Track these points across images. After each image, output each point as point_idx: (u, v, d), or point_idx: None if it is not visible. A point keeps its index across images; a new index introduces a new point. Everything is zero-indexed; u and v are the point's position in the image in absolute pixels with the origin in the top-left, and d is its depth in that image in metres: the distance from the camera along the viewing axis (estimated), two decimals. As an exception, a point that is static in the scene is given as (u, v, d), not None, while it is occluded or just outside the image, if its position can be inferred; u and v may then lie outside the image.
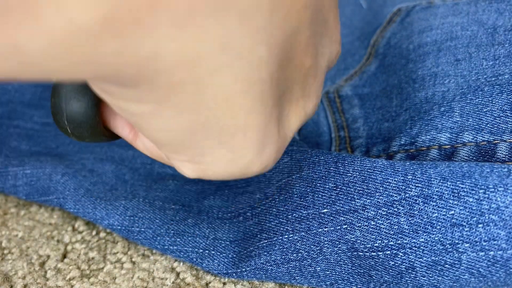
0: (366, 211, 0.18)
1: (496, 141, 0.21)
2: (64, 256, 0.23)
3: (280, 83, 0.14)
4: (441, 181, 0.17)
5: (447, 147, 0.22)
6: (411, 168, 0.18)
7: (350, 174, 0.19)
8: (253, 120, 0.13)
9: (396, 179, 0.18)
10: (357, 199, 0.18)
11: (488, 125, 0.21)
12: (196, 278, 0.22)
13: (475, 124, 0.22)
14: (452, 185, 0.17)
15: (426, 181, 0.17)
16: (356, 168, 0.19)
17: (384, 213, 0.18)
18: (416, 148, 0.23)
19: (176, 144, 0.14)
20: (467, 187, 0.17)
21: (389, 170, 0.18)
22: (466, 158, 0.21)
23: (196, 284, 0.22)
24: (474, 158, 0.21)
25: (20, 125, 0.30)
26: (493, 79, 0.23)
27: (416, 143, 0.23)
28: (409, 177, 0.18)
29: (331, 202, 0.19)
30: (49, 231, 0.25)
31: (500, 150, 0.21)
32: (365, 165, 0.19)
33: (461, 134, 0.22)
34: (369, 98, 0.28)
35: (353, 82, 0.29)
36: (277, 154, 0.15)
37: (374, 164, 0.19)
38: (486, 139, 0.21)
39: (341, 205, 0.19)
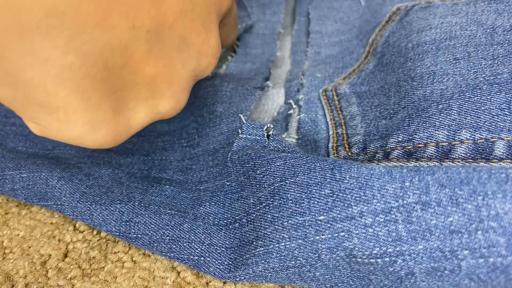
0: (364, 218, 0.18)
1: (493, 139, 0.21)
2: (65, 255, 0.23)
3: (111, 82, 0.18)
4: (439, 187, 0.17)
5: (444, 144, 0.22)
6: (409, 174, 0.18)
7: (346, 181, 0.19)
8: (72, 103, 0.17)
9: (393, 186, 0.18)
10: (354, 206, 0.18)
11: (486, 123, 0.21)
12: (196, 277, 0.22)
13: (473, 122, 0.22)
14: (450, 191, 0.17)
15: (424, 187, 0.17)
16: (353, 175, 0.19)
17: (382, 220, 0.18)
18: (414, 145, 0.23)
19: (11, 107, 0.18)
20: (465, 193, 0.17)
21: (387, 177, 0.18)
22: (463, 155, 0.21)
23: (196, 283, 0.22)
24: (472, 155, 0.21)
25: (17, 123, 0.30)
26: (491, 78, 0.23)
27: (413, 140, 0.23)
28: (406, 184, 0.18)
29: (327, 209, 0.19)
30: (50, 230, 0.25)
31: (498, 148, 0.21)
32: (362, 172, 0.19)
33: (458, 131, 0.22)
34: (367, 96, 0.28)
35: (351, 80, 0.29)
36: (115, 137, 0.19)
37: (371, 171, 0.18)
38: (484, 136, 0.21)
39: (338, 211, 0.18)
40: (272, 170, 0.21)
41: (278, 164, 0.21)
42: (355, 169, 0.19)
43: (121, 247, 0.24)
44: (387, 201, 0.18)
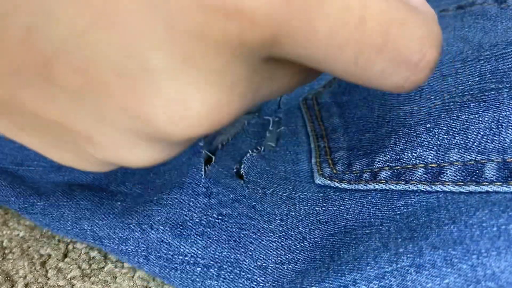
0: (357, 286, 0.18)
1: (483, 161, 0.21)
2: (65, 255, 0.24)
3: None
4: (432, 249, 0.17)
5: (434, 165, 0.22)
6: (403, 243, 0.18)
7: (344, 259, 0.19)
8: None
9: (388, 254, 0.18)
10: (347, 274, 0.18)
11: (475, 143, 0.21)
12: (194, 277, 0.23)
13: (461, 142, 0.21)
14: (444, 252, 0.17)
15: (417, 251, 0.17)
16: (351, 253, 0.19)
17: (376, 286, 0.17)
18: (402, 165, 0.22)
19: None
20: (459, 253, 0.17)
21: (382, 248, 0.18)
22: (453, 178, 0.21)
23: (194, 283, 0.23)
24: (462, 178, 0.21)
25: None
26: (479, 95, 0.22)
27: (401, 160, 0.22)
28: (400, 250, 0.18)
29: (320, 280, 0.19)
30: (50, 230, 0.25)
31: (488, 170, 0.20)
32: (359, 249, 0.19)
33: (448, 152, 0.22)
34: (348, 106, 0.27)
35: (332, 89, 0.29)
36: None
37: (367, 248, 0.19)
38: (474, 158, 0.21)
39: (330, 282, 0.18)
40: (244, 233, 0.21)
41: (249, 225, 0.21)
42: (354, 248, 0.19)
43: (121, 248, 0.24)
44: (380, 266, 0.18)
